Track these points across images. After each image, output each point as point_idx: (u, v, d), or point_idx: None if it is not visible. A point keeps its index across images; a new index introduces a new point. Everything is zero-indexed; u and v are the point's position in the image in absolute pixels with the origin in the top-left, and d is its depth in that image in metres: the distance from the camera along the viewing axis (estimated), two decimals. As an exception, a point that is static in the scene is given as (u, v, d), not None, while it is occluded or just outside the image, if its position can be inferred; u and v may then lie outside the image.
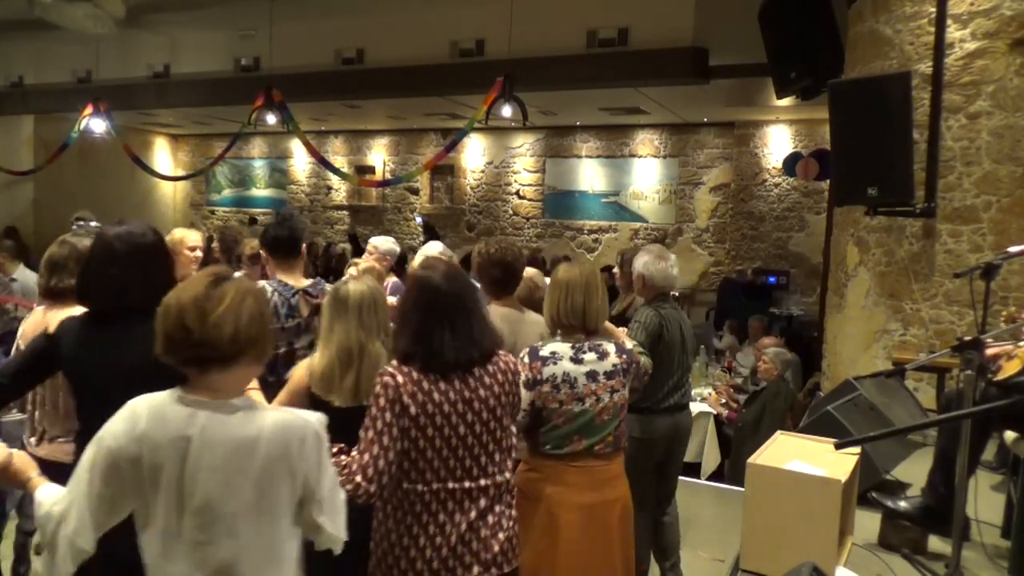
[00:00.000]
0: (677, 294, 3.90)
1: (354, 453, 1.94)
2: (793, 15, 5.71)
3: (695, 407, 5.52)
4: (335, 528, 1.60)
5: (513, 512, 2.15)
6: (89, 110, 10.53)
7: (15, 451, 1.71)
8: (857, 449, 2.62)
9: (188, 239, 3.87)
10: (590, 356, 2.50)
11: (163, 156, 16.18)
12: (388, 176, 13.79)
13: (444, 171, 13.52)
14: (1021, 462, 2.75)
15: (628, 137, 12.08)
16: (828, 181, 8.56)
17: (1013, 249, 2.90)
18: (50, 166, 11.90)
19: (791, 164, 10.39)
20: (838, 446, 2.37)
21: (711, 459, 5.46)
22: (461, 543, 2.01)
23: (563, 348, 2.49)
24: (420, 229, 13.04)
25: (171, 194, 16.31)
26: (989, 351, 2.67)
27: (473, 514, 2.03)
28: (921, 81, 4.58)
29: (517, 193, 13.11)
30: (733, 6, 6.86)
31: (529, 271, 3.44)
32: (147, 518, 1.51)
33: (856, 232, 5.19)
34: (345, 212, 14.69)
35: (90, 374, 2.09)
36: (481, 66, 8.48)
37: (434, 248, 4.11)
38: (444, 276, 2.13)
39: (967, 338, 2.35)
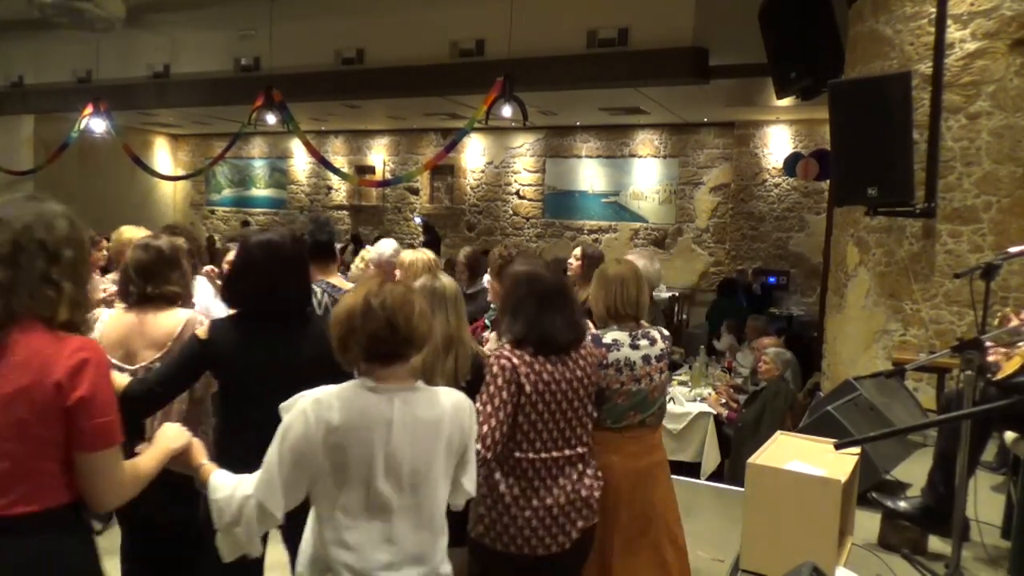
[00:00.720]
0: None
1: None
2: (793, 15, 5.70)
3: (695, 407, 5.53)
4: (471, 487, 1.90)
5: (599, 473, 2.48)
6: (89, 110, 10.53)
7: (194, 437, 1.88)
8: (857, 449, 2.63)
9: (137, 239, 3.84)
10: (644, 343, 2.77)
11: (163, 156, 16.18)
12: (388, 176, 13.79)
13: (444, 171, 13.52)
14: (1021, 462, 2.75)
15: (628, 137, 12.08)
16: (828, 181, 8.57)
17: (1013, 249, 2.90)
18: (50, 166, 11.90)
19: (791, 164, 10.40)
20: (838, 446, 2.37)
21: (711, 459, 5.45)
22: (568, 502, 2.31)
23: (622, 336, 2.74)
24: (420, 229, 13.04)
25: (171, 194, 16.31)
26: (991, 357, 2.67)
27: (575, 476, 2.35)
28: (921, 81, 4.58)
29: (517, 193, 13.11)
30: (733, 6, 6.86)
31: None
32: (349, 492, 1.69)
33: (856, 232, 5.19)
34: (345, 212, 14.70)
35: (242, 374, 2.24)
36: (481, 66, 8.48)
37: (388, 246, 4.16)
38: (549, 269, 2.49)
39: (967, 338, 2.35)
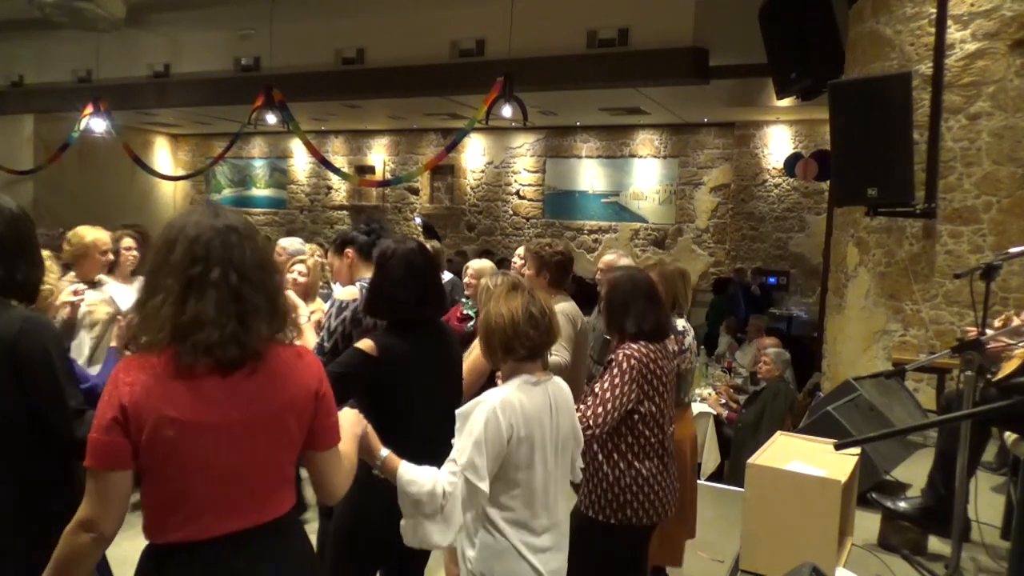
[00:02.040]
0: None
1: (588, 402, 2.43)
2: (793, 15, 5.70)
3: (695, 407, 5.51)
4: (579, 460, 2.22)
5: None
6: (89, 109, 10.52)
7: (365, 422, 1.92)
8: (857, 450, 2.63)
9: (100, 243, 3.76)
10: (691, 328, 3.32)
11: (163, 156, 16.18)
12: (388, 176, 13.79)
13: (444, 171, 13.52)
14: (1021, 463, 2.75)
15: (628, 137, 12.08)
16: (828, 181, 8.57)
17: (1013, 250, 2.90)
18: (50, 165, 11.90)
19: (791, 164, 10.40)
20: (838, 447, 2.37)
21: (711, 459, 5.45)
22: (673, 476, 2.63)
23: (686, 324, 3.24)
24: (420, 229, 13.04)
25: (171, 194, 16.31)
26: (991, 346, 2.66)
27: (672, 452, 2.65)
28: (921, 82, 4.58)
29: (517, 193, 13.11)
30: (733, 6, 6.86)
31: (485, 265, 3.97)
32: (529, 474, 1.95)
33: (856, 232, 5.19)
34: (345, 212, 14.70)
35: (410, 384, 2.26)
36: (481, 66, 8.49)
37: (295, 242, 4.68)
38: (639, 270, 2.87)
39: (968, 333, 2.35)
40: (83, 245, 3.68)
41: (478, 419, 1.87)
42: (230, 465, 1.48)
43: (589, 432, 2.35)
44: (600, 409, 2.40)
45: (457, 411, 1.92)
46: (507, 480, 1.93)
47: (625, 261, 3.87)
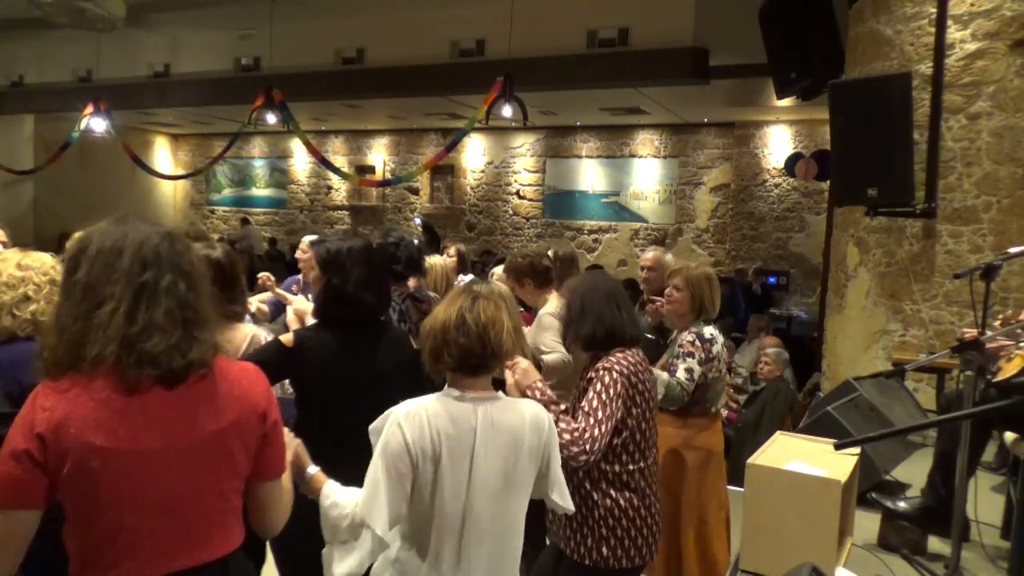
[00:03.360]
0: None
1: (582, 424, 2.13)
2: (793, 15, 5.71)
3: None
4: (565, 502, 1.93)
5: None
6: (90, 109, 10.54)
7: (297, 440, 1.83)
8: (857, 449, 2.62)
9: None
10: (720, 335, 3.13)
11: (163, 155, 16.18)
12: (388, 176, 13.79)
13: (444, 171, 13.52)
14: (1021, 463, 2.75)
15: (628, 137, 12.08)
16: (828, 181, 8.57)
17: (1013, 250, 2.89)
18: (50, 165, 11.91)
19: (792, 164, 10.41)
20: (838, 447, 2.37)
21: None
22: (657, 509, 2.36)
23: (715, 331, 3.08)
24: (420, 229, 13.04)
25: (171, 193, 16.32)
26: (991, 344, 2.66)
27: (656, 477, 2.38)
28: (921, 82, 4.58)
29: (517, 193, 13.11)
30: (733, 6, 6.86)
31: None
32: (435, 500, 1.72)
33: (856, 232, 5.19)
34: (345, 212, 14.70)
35: (329, 383, 2.21)
36: (481, 66, 8.49)
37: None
38: (600, 272, 2.71)
39: (967, 334, 2.35)
40: None
41: (384, 437, 1.71)
42: (167, 496, 1.35)
43: (584, 458, 2.07)
44: (596, 431, 2.11)
45: (370, 427, 1.78)
46: (419, 505, 1.74)
47: (669, 258, 3.86)
